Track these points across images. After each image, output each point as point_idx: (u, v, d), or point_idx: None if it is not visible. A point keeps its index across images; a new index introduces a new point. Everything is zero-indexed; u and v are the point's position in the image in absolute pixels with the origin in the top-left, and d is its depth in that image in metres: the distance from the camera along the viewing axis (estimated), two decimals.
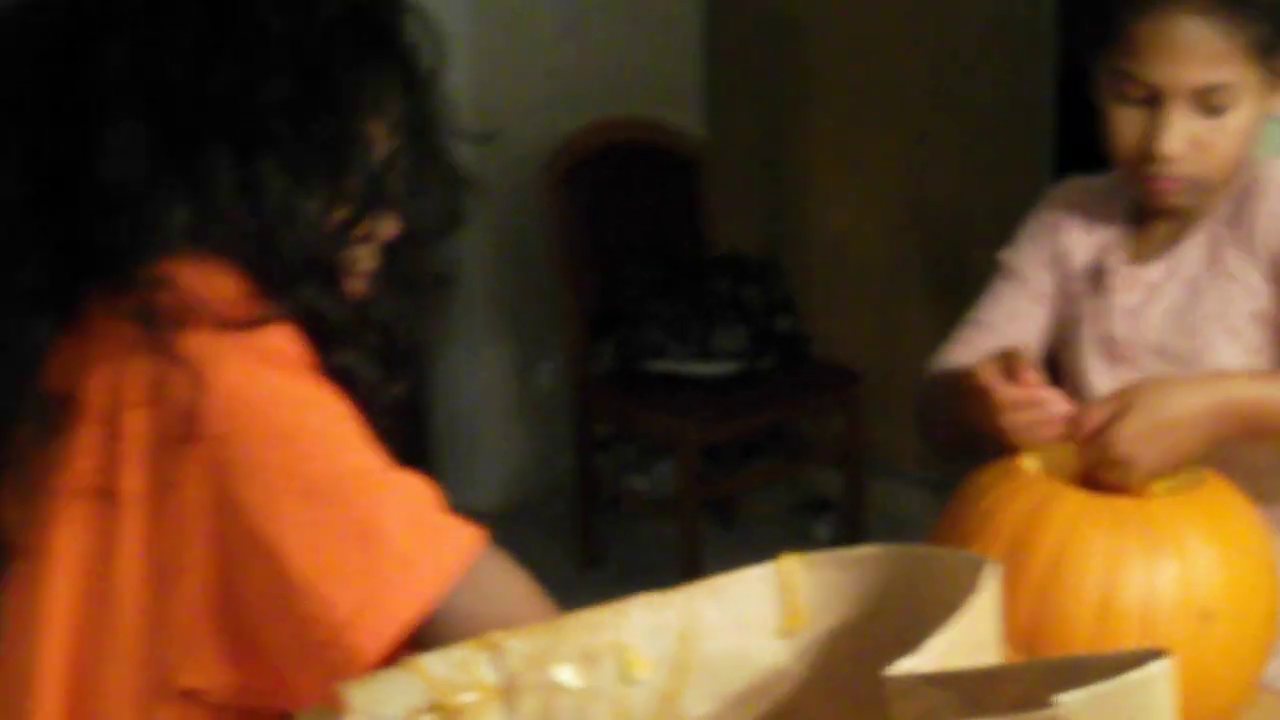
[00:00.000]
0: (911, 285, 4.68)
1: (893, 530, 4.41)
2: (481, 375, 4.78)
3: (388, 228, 1.44)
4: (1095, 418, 1.73)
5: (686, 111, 5.00)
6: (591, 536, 4.46)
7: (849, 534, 4.34)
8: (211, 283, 1.32)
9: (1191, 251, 1.98)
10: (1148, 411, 1.73)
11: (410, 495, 1.28)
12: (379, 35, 1.42)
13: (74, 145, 1.32)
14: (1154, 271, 2.00)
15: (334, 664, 1.20)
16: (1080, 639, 1.59)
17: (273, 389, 1.28)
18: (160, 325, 1.28)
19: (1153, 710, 0.91)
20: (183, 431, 1.24)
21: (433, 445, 4.68)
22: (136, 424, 1.28)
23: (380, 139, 1.41)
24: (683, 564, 4.09)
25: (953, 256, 4.57)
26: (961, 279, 4.57)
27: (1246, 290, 1.94)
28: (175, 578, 1.27)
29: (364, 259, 1.45)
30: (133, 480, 1.28)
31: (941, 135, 4.55)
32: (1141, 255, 2.02)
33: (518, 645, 1.04)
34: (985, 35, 4.39)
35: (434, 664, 1.03)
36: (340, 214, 1.39)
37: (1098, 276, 2.03)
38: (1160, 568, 1.59)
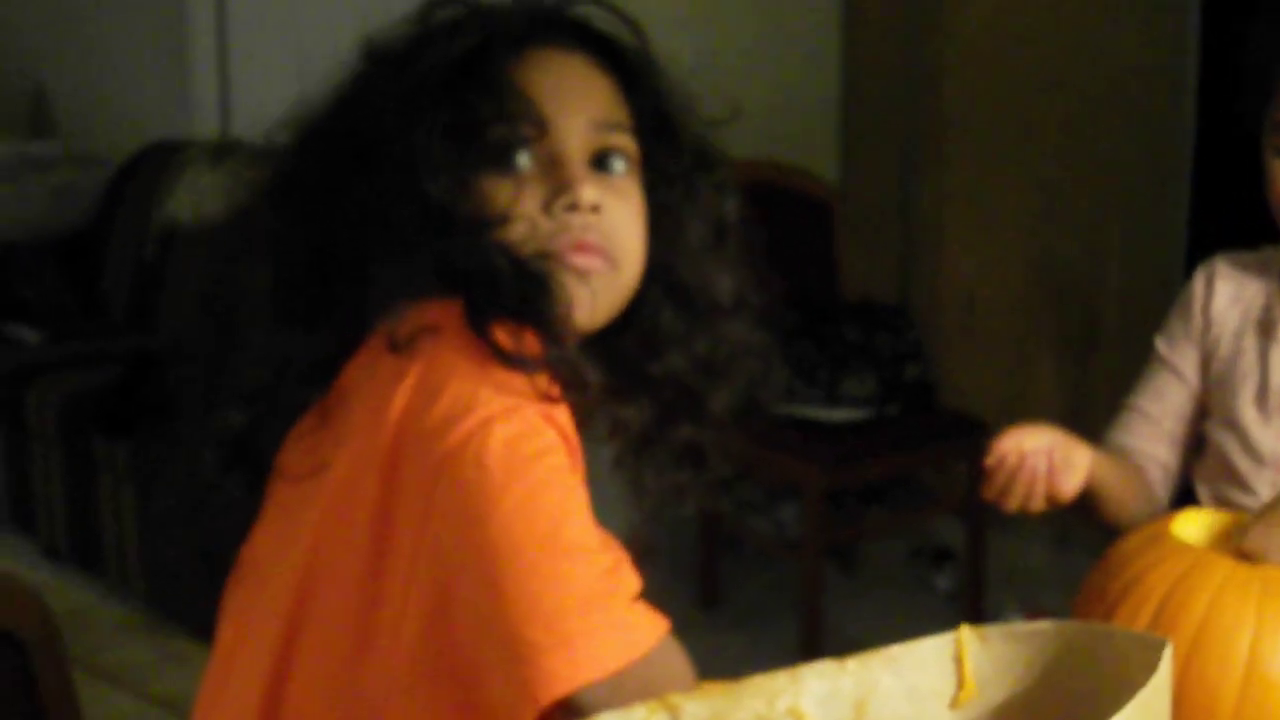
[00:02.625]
0: (1040, 338, 4.66)
1: (1014, 584, 4.39)
2: None
3: None
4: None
5: (821, 157, 5.00)
6: (712, 577, 4.46)
7: (970, 585, 4.32)
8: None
9: None
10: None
11: (613, 578, 1.33)
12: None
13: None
14: None
15: (524, 686, 1.20)
16: (1225, 709, 1.59)
17: (539, 448, 1.31)
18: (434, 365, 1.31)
19: None
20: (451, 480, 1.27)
21: None
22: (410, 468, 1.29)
23: None
24: (803, 608, 4.09)
25: (1082, 310, 4.55)
26: (1091, 333, 4.56)
27: None
28: (393, 623, 1.29)
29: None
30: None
31: (1075, 190, 4.53)
32: None
33: (694, 708, 1.06)
34: (1123, 90, 4.37)
35: None
36: None
37: (1263, 328, 2.04)
38: None
